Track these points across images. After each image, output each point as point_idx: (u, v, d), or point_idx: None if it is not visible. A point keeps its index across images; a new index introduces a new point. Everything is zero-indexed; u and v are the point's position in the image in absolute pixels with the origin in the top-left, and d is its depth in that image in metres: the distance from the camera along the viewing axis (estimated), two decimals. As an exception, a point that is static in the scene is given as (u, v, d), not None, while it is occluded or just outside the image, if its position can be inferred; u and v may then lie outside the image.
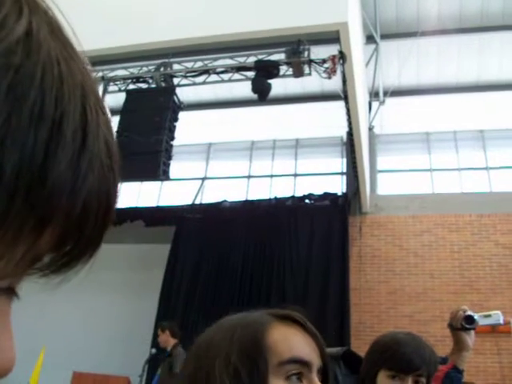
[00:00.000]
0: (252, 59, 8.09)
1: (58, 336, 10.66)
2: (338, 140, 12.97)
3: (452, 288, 10.16)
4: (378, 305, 10.34)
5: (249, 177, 13.31)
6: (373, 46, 11.55)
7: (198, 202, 12.69)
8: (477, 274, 10.20)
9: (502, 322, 2.66)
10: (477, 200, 10.85)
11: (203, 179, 13.52)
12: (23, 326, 11.19)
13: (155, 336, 8.13)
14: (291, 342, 0.96)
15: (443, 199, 11.06)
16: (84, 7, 7.14)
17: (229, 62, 8.46)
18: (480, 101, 12.17)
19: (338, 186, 12.09)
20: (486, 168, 11.89)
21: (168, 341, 7.54)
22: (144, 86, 8.79)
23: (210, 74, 8.59)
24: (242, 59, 8.32)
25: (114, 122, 9.35)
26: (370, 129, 12.11)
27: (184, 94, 9.20)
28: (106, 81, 8.76)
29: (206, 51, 9.05)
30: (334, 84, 8.85)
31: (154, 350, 8.09)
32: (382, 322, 10.13)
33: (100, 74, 9.03)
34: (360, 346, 9.44)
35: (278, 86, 9.62)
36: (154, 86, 8.62)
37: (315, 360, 0.98)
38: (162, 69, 8.73)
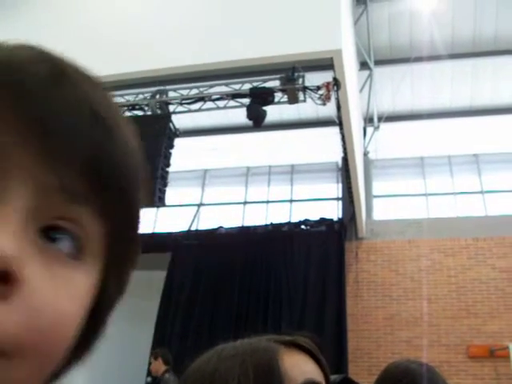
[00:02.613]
0: (247, 86, 8.14)
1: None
2: (333, 165, 13.02)
3: (449, 313, 10.12)
4: (375, 330, 10.29)
5: (245, 203, 13.33)
6: (367, 72, 11.66)
7: (193, 228, 12.68)
8: (474, 298, 10.18)
9: None
10: (472, 224, 10.87)
11: (199, 205, 13.52)
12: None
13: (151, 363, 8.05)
14: (303, 367, 0.95)
15: (439, 223, 11.06)
16: (79, 35, 7.20)
17: (224, 89, 8.52)
18: (474, 125, 12.26)
19: (334, 212, 12.10)
20: (481, 192, 11.93)
21: (160, 369, 7.45)
22: (140, 113, 8.83)
23: (205, 101, 8.63)
24: (237, 86, 8.38)
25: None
26: (365, 154, 12.16)
27: (180, 120, 9.24)
28: (102, 108, 8.79)
29: (201, 78, 9.12)
30: (329, 110, 8.91)
31: (149, 379, 8.00)
32: (379, 347, 10.07)
33: (96, 101, 9.06)
34: (358, 372, 9.38)
35: (274, 112, 9.69)
36: (149, 113, 8.66)
37: None
38: (157, 96, 8.78)
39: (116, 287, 0.48)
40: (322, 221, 11.39)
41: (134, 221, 0.47)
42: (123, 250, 0.47)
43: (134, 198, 0.45)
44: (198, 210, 13.36)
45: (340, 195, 12.31)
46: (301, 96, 7.69)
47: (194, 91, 8.73)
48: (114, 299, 0.49)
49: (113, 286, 0.47)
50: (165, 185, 7.71)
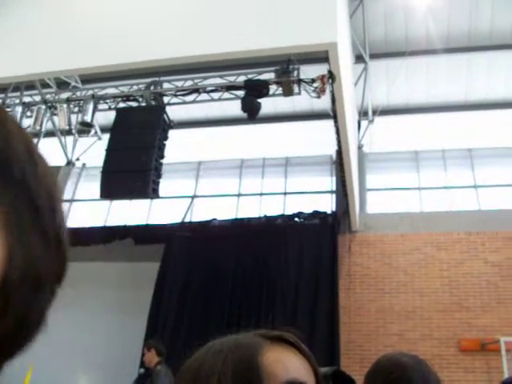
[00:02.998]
0: (242, 78, 8.15)
1: (46, 354, 10.53)
2: (327, 158, 13.02)
3: (441, 306, 10.17)
4: (367, 323, 10.32)
5: (239, 195, 13.32)
6: (362, 66, 11.66)
7: (187, 220, 12.67)
8: (466, 292, 10.22)
9: None
10: (465, 218, 10.90)
11: (193, 197, 13.51)
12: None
13: (144, 355, 8.05)
14: (287, 363, 0.94)
15: (432, 217, 11.10)
16: (75, 26, 7.17)
17: (219, 81, 8.52)
18: (468, 119, 12.28)
19: (328, 205, 12.11)
20: (475, 186, 11.96)
21: (153, 360, 7.44)
22: (134, 104, 8.82)
23: (200, 93, 8.64)
24: (231, 78, 8.39)
25: (104, 139, 9.38)
26: (360, 147, 12.17)
27: (174, 112, 9.23)
28: (97, 99, 8.79)
29: (196, 70, 9.12)
30: (324, 103, 8.91)
31: (142, 370, 8.00)
32: (371, 340, 10.10)
33: (90, 92, 9.06)
34: (349, 365, 9.42)
35: (268, 104, 9.68)
36: (144, 104, 8.64)
37: (311, 382, 0.96)
38: (152, 87, 8.78)
39: (25, 265, 0.48)
40: (316, 214, 11.41)
41: (36, 206, 0.49)
42: (26, 227, 0.48)
43: (28, 184, 0.48)
44: (191, 202, 13.35)
45: (334, 188, 12.32)
46: (296, 89, 7.70)
47: (189, 83, 8.73)
48: (29, 278, 0.49)
49: (19, 261, 0.47)
50: (159, 176, 7.71)
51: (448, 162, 12.46)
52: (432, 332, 9.93)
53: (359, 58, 11.60)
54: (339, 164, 9.45)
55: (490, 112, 12.19)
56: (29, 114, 9.20)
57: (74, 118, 9.33)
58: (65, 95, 9.52)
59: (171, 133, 8.21)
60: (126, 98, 8.88)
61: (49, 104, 9.13)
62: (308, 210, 11.53)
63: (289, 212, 11.87)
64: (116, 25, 7.13)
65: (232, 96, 8.44)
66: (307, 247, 10.85)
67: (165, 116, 8.11)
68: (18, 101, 9.56)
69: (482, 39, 11.10)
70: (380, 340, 10.06)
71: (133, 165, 7.45)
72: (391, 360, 2.04)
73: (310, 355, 1.00)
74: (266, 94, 7.76)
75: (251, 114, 7.74)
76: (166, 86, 8.92)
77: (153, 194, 7.57)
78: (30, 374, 8.24)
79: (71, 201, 14.34)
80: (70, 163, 14.30)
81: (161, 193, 7.95)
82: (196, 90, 8.63)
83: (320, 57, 6.84)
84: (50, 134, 12.61)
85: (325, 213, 11.48)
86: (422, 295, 10.35)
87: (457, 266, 10.53)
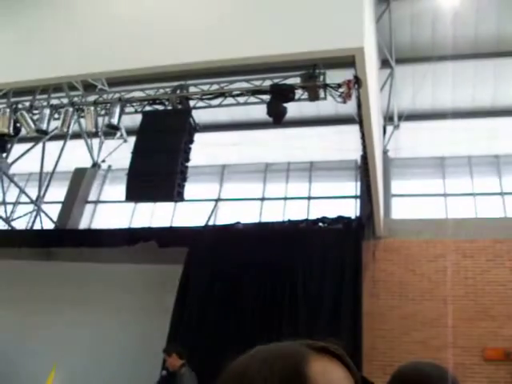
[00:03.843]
0: (268, 83, 8.15)
1: (69, 356, 10.63)
2: (352, 163, 12.98)
3: (466, 314, 10.05)
4: (390, 330, 10.24)
5: (262, 199, 13.33)
6: (388, 71, 11.61)
7: (211, 223, 12.71)
8: (491, 301, 10.09)
9: None
10: (491, 225, 10.77)
11: (217, 200, 13.55)
12: (34, 343, 11.20)
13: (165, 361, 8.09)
14: (332, 375, 0.94)
15: (457, 224, 10.97)
16: (102, 30, 7.24)
17: (245, 85, 8.53)
18: (495, 126, 12.14)
19: (352, 210, 12.06)
20: (501, 193, 11.83)
21: (176, 363, 7.50)
22: (160, 107, 8.87)
23: (225, 97, 8.65)
24: (257, 82, 8.39)
25: (130, 142, 9.44)
26: (385, 153, 12.11)
27: (200, 115, 9.26)
28: (123, 102, 8.85)
29: (222, 74, 9.15)
30: (349, 107, 8.87)
31: (164, 372, 8.04)
32: (394, 347, 10.02)
33: (117, 95, 9.14)
34: (372, 371, 9.34)
35: (293, 108, 9.66)
36: (170, 107, 8.69)
37: None
38: (178, 91, 8.82)
39: None
40: (340, 219, 11.34)
41: None
42: None
43: None
44: (215, 205, 13.39)
45: (358, 193, 12.28)
46: (321, 93, 7.68)
47: (215, 87, 8.76)
48: None
49: None
50: (184, 179, 7.74)
51: (474, 169, 12.35)
52: (456, 340, 9.82)
53: (385, 63, 11.55)
54: (364, 169, 9.39)
55: (518, 118, 12.06)
56: (56, 116, 9.30)
57: (100, 120, 9.43)
58: (92, 98, 9.62)
59: (196, 136, 8.24)
60: (153, 101, 8.94)
61: (76, 106, 9.23)
62: (332, 214, 11.47)
63: (313, 217, 11.83)
64: (143, 29, 7.18)
65: (257, 100, 8.44)
66: (331, 252, 10.79)
67: (191, 119, 8.14)
68: (45, 103, 9.67)
69: (510, 44, 10.97)
70: (404, 347, 9.97)
71: (158, 168, 7.48)
72: (415, 369, 2.02)
73: (353, 368, 1.00)
74: (291, 99, 7.74)
75: (277, 118, 7.73)
76: (192, 89, 8.95)
77: (178, 197, 7.60)
78: (53, 372, 8.31)
79: (96, 202, 14.47)
80: (95, 165, 14.46)
81: (185, 196, 7.97)
82: (222, 94, 8.65)
83: (346, 61, 6.81)
84: (76, 136, 12.76)
85: (349, 218, 11.41)
86: (447, 303, 10.24)
87: (482, 273, 10.41)
